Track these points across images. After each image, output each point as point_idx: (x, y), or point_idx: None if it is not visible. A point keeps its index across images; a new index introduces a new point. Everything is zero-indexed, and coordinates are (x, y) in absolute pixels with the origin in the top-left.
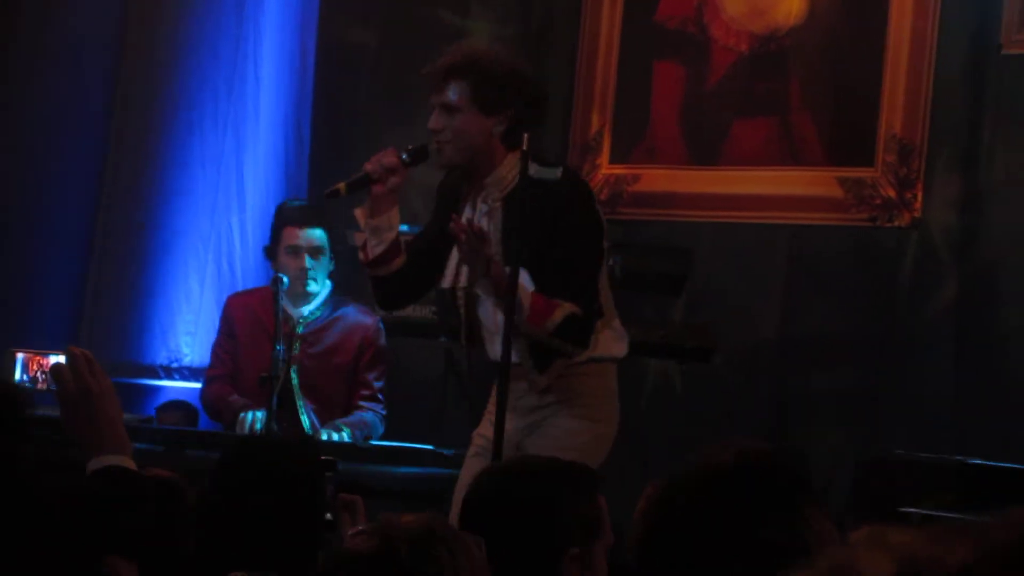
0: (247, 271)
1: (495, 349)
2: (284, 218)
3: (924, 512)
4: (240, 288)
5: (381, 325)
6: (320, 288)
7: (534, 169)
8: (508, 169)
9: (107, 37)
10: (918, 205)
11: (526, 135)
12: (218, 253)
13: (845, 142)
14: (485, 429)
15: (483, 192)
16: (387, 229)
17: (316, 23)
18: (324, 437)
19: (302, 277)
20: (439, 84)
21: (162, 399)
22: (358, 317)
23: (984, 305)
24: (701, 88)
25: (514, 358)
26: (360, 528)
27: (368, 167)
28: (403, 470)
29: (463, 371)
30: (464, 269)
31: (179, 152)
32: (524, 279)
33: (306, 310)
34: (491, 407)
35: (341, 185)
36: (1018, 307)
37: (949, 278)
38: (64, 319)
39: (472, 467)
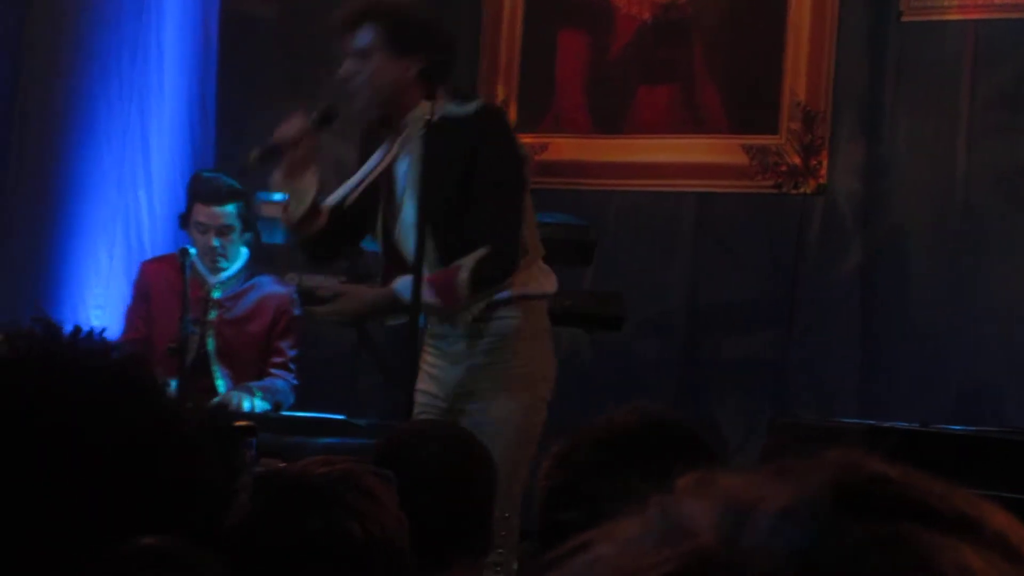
0: (156, 243)
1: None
2: (196, 192)
3: None
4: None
5: (295, 296)
6: (230, 263)
7: (453, 106)
8: (424, 110)
9: (10, 11)
10: (823, 172)
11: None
12: (127, 226)
13: (749, 109)
14: (425, 384)
15: (403, 135)
16: (305, 192)
17: None
18: (235, 400)
19: (211, 255)
20: (348, 31)
21: None
22: (273, 287)
23: (889, 270)
24: (605, 56)
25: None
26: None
27: (276, 136)
28: (316, 440)
29: (374, 342)
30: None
31: (85, 124)
32: (405, 282)
33: (223, 276)
34: (427, 358)
35: (252, 155)
36: (922, 272)
37: (855, 244)
38: None
39: None
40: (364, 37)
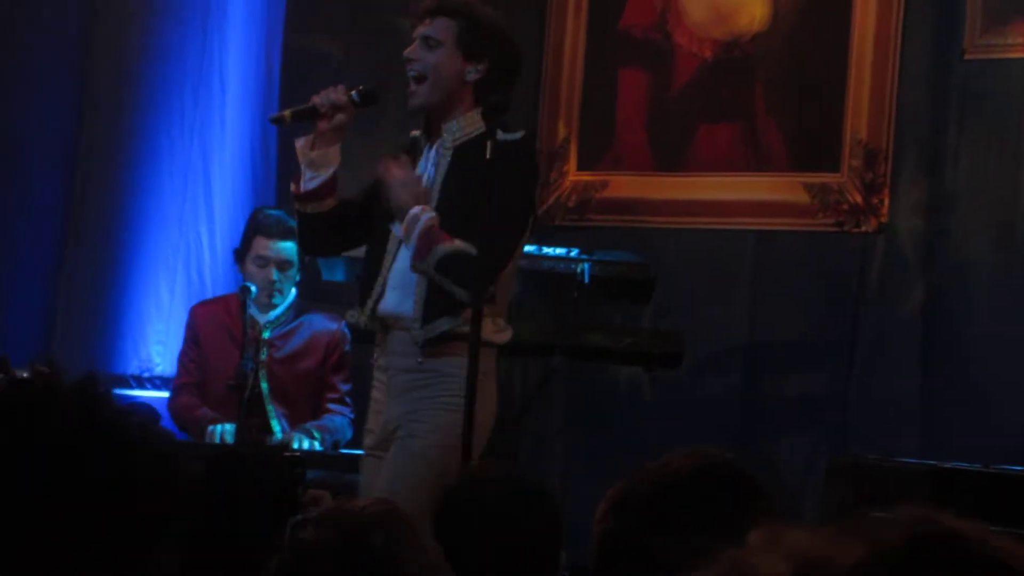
0: (216, 280)
1: (393, 299)
2: (257, 226)
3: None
4: (210, 296)
5: (347, 330)
6: (283, 299)
7: (498, 132)
8: (469, 122)
9: (74, 45)
10: (884, 210)
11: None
12: (187, 262)
13: (810, 147)
14: (371, 421)
15: (438, 139)
16: (324, 165)
17: (281, 30)
18: (296, 444)
19: (268, 289)
20: (425, 17)
21: None
22: (323, 323)
23: (950, 309)
24: (666, 94)
25: (405, 308)
26: (300, 517)
27: (316, 99)
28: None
29: None
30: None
31: (147, 160)
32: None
33: (272, 314)
34: (374, 393)
35: (287, 112)
36: (984, 310)
37: (916, 282)
38: (34, 332)
39: (370, 467)
40: (438, 27)
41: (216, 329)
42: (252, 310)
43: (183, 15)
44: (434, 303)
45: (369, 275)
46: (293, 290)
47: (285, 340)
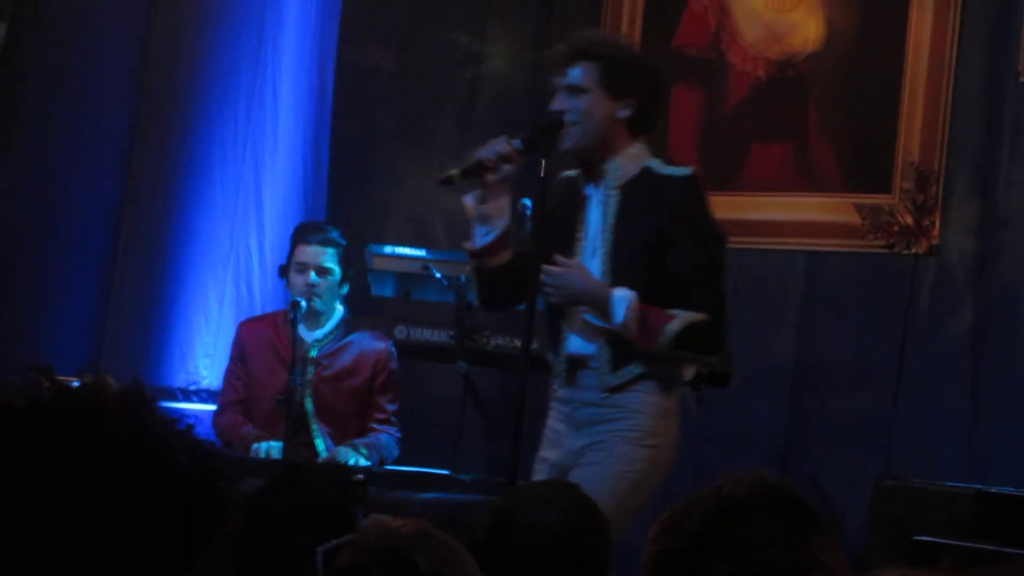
0: (266, 294)
1: (577, 341)
2: (297, 236)
3: (941, 541)
4: (259, 311)
5: (393, 349)
6: (327, 307)
7: (657, 163)
8: (629, 159)
9: (129, 57)
10: (935, 232)
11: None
12: (237, 275)
13: (862, 168)
14: (547, 450)
15: (600, 179)
16: (497, 218)
17: (335, 45)
18: (342, 459)
19: (307, 293)
20: (563, 66)
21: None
22: (371, 342)
23: (1001, 332)
24: (719, 112)
25: (590, 349)
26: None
27: (481, 154)
28: (420, 495)
29: (480, 395)
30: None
31: (199, 173)
32: (619, 298)
33: (319, 333)
34: (553, 423)
35: (455, 172)
36: None
37: (966, 305)
38: (84, 342)
39: None
40: (580, 74)
41: (263, 347)
42: (300, 328)
43: (237, 29)
44: (620, 345)
45: (553, 319)
46: (341, 308)
47: (332, 358)
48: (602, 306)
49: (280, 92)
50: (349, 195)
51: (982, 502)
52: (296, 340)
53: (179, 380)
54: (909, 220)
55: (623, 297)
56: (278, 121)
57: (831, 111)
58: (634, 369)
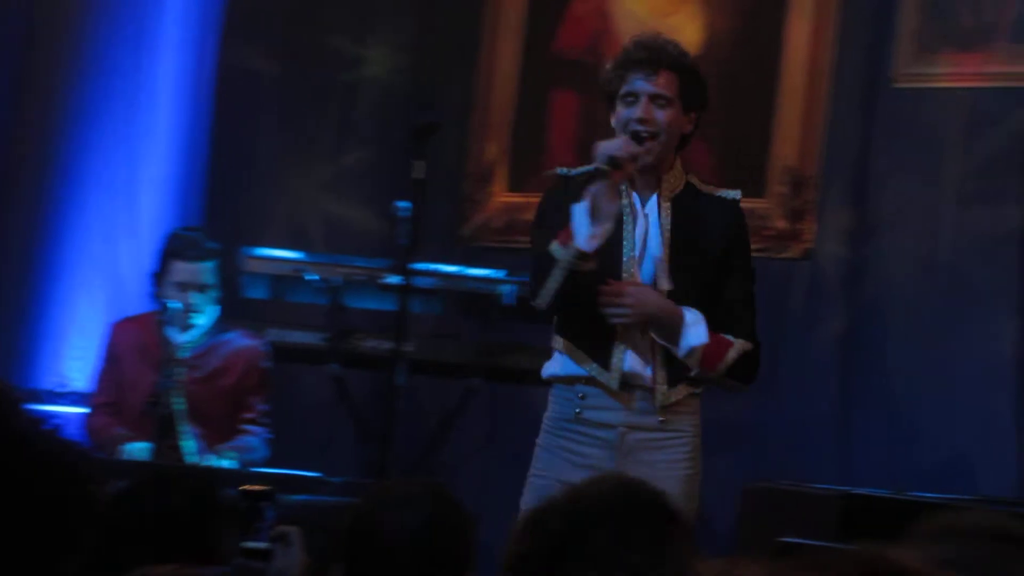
0: (138, 297)
1: (632, 359)
2: (173, 250)
3: (804, 542)
4: (130, 313)
5: (265, 348)
6: (204, 319)
7: (696, 180)
8: (678, 173)
9: (9, 64)
10: (810, 237)
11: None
12: (109, 277)
13: (737, 172)
14: (567, 472)
15: (651, 191)
16: (610, 221)
17: (216, 48)
18: (205, 464)
19: (187, 311)
20: (650, 72)
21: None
22: (242, 341)
23: (873, 337)
24: (598, 117)
25: (647, 370)
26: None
27: (619, 152)
28: (289, 497)
29: (352, 397)
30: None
31: (74, 175)
32: (692, 320)
33: (191, 334)
34: (571, 446)
35: (604, 166)
36: (905, 339)
37: (838, 309)
38: None
39: None
40: (665, 84)
41: (134, 348)
42: (170, 329)
43: (117, 33)
44: (676, 364)
45: (601, 334)
46: (213, 308)
47: (204, 359)
48: (674, 328)
49: (159, 94)
50: (227, 198)
51: (847, 503)
52: (167, 342)
53: (48, 382)
54: (783, 224)
55: (696, 321)
56: (156, 123)
57: (708, 114)
58: (684, 389)
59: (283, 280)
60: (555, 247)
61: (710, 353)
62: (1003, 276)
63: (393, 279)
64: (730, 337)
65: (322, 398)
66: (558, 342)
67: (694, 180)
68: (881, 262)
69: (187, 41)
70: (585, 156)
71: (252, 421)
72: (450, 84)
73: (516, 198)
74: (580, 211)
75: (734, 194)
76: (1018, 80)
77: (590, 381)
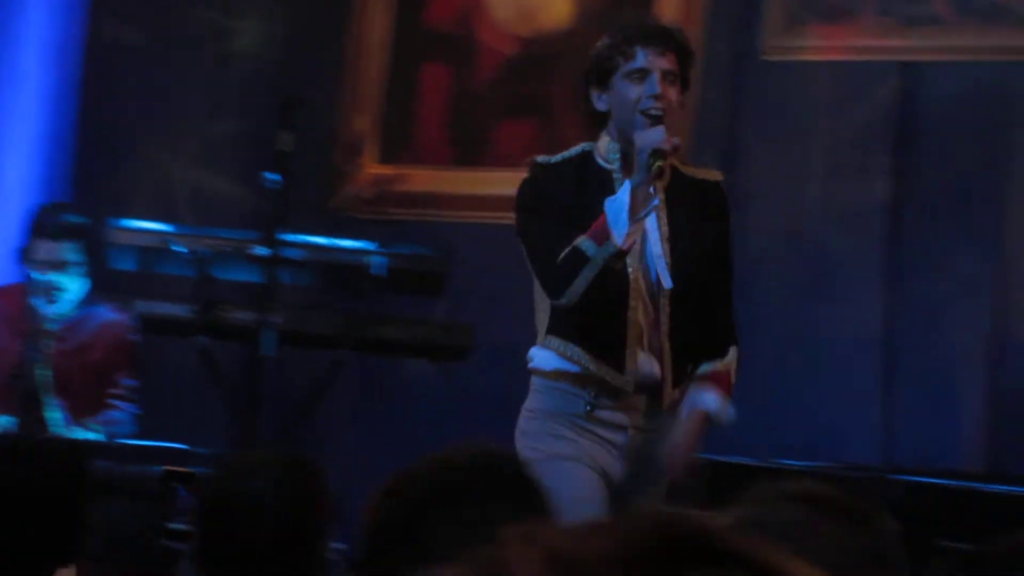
0: (4, 270)
1: (644, 359)
2: (37, 227)
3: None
4: None
5: (133, 322)
6: (72, 294)
7: (685, 167)
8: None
9: None
10: None
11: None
12: None
13: None
14: (601, 457)
15: (653, 187)
16: (645, 218)
17: (83, 20)
18: (78, 435)
19: (51, 289)
20: (661, 47)
21: None
22: (110, 315)
23: (745, 305)
24: (467, 90)
25: (656, 370)
26: None
27: (666, 144)
28: (157, 468)
29: (219, 369)
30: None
31: None
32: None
33: (60, 307)
34: (584, 443)
35: (659, 162)
36: (771, 308)
37: None
38: None
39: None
40: (673, 62)
41: (1, 319)
42: (37, 301)
43: None
44: (679, 366)
45: (612, 332)
46: (82, 281)
47: (72, 331)
48: (704, 423)
49: (24, 67)
50: (95, 170)
51: (713, 470)
52: (34, 313)
53: None
54: None
55: (702, 400)
56: (22, 94)
57: (577, 88)
58: (683, 387)
59: (150, 252)
60: (586, 243)
61: (725, 391)
62: (869, 248)
63: (261, 251)
64: (728, 360)
65: (190, 370)
66: (559, 342)
67: (674, 162)
68: (752, 232)
69: (53, 13)
70: (454, 129)
71: (119, 396)
72: (321, 55)
73: (386, 170)
74: (618, 206)
75: (717, 175)
76: (885, 53)
77: (602, 382)
